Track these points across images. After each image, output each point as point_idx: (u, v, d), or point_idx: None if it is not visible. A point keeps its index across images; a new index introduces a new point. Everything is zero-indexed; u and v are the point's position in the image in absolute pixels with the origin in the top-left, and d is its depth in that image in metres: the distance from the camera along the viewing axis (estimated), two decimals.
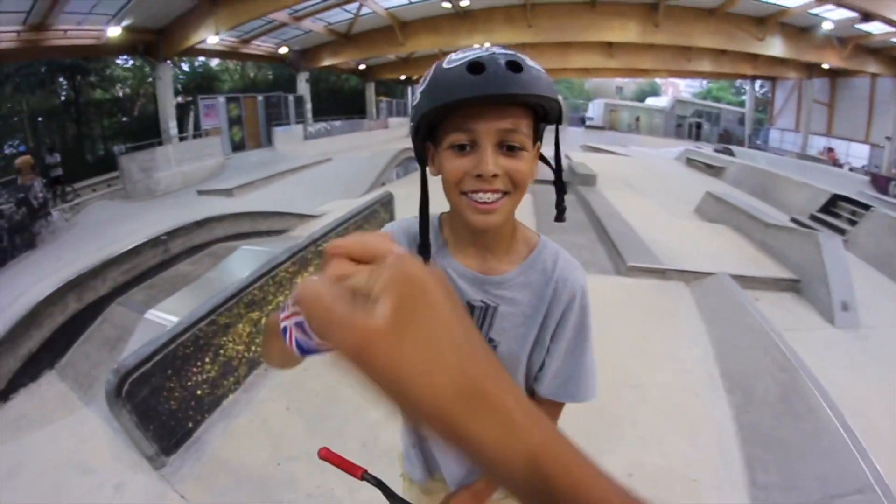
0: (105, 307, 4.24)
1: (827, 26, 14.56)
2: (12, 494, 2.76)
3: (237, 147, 18.98)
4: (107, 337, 3.94)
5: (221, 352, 2.94)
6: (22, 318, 3.82)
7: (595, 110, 30.09)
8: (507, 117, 0.69)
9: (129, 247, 4.87)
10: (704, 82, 34.81)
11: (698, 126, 26.16)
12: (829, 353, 2.89)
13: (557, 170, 0.81)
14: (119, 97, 20.10)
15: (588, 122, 28.80)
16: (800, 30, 15.47)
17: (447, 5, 15.34)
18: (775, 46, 15.50)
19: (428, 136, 0.76)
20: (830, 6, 12.70)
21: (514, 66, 0.66)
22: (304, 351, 0.55)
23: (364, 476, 1.03)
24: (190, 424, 2.64)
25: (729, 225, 5.52)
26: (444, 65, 0.69)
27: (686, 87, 39.22)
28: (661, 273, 3.87)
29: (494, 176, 0.69)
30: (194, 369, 2.77)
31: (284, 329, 0.56)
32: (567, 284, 0.81)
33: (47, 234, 10.23)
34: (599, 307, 3.15)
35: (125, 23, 13.09)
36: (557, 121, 0.75)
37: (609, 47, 18.82)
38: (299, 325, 0.54)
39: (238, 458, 2.44)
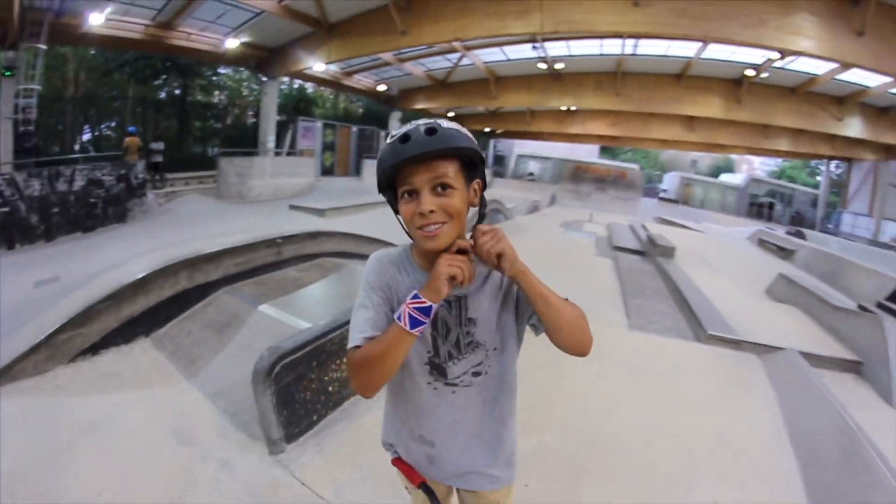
0: (211, 292, 4.33)
1: None
2: (91, 449, 2.51)
3: (326, 171, 19.77)
4: (212, 320, 3.99)
5: None
6: (133, 283, 3.85)
7: (670, 183, 29.84)
8: (434, 168, 0.93)
9: (247, 241, 5.05)
10: (779, 160, 33.99)
11: (770, 206, 25.27)
12: (886, 431, 3.13)
13: (481, 204, 1.06)
14: (215, 103, 20.84)
15: (662, 195, 28.51)
16: (879, 110, 15.22)
17: (543, 66, 15.80)
18: (854, 126, 15.24)
19: (390, 189, 1.01)
20: None
21: (430, 131, 0.91)
22: (414, 323, 0.92)
23: (421, 485, 1.16)
24: (314, 417, 2.66)
25: (798, 307, 5.72)
26: (387, 140, 0.96)
27: (761, 165, 38.38)
28: (737, 344, 4.11)
29: (431, 212, 0.94)
30: (333, 366, 2.83)
31: (399, 316, 0.93)
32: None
33: (139, 213, 10.59)
34: (683, 370, 3.91)
35: (243, 37, 13.92)
36: (481, 161, 1.00)
37: (690, 121, 19.01)
38: (416, 307, 0.92)
39: (363, 455, 2.41)
